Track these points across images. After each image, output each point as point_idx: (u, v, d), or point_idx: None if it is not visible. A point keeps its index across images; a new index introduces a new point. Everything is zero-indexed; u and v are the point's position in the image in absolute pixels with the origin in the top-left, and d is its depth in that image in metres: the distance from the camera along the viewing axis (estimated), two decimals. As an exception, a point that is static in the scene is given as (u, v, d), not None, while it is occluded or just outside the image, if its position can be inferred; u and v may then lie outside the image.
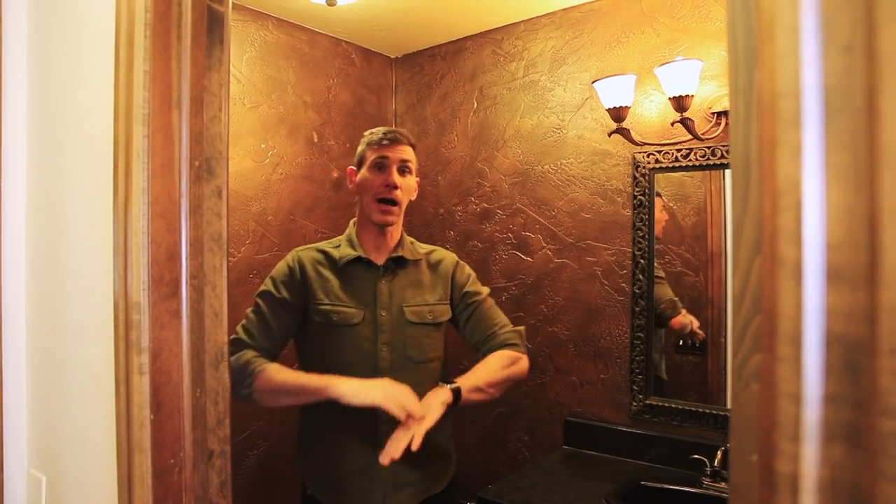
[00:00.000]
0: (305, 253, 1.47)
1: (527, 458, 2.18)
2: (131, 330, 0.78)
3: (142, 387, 0.77)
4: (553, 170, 2.15)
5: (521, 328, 1.59)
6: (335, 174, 2.40)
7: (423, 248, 1.56)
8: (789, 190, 0.34)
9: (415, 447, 1.20)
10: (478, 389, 1.37)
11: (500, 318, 1.54)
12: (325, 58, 2.37)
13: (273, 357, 1.39)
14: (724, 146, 1.78)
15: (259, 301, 1.43)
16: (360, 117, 2.50)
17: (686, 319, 1.88)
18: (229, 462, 0.84)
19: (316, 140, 2.34)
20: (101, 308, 0.83)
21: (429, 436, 1.24)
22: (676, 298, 1.91)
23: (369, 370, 1.38)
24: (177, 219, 0.79)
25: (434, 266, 1.53)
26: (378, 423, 1.37)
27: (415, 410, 1.23)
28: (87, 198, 0.91)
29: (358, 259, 1.44)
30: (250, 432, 2.11)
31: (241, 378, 1.32)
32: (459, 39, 2.42)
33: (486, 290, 1.57)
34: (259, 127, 2.15)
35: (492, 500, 1.66)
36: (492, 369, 1.42)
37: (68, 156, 0.95)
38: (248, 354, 1.35)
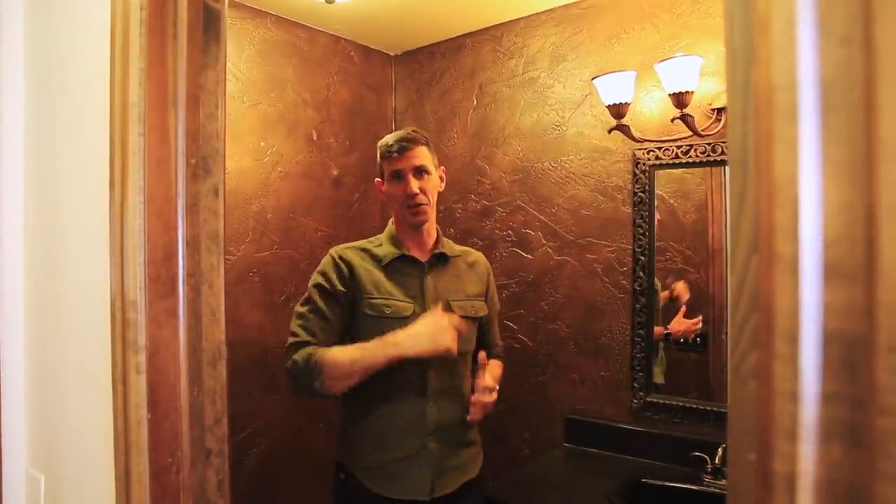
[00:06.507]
0: (348, 250, 1.50)
1: (527, 456, 2.18)
2: (128, 329, 0.78)
3: (139, 386, 0.77)
4: (553, 167, 2.15)
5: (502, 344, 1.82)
6: (335, 172, 2.40)
7: (458, 247, 1.65)
8: (786, 185, 0.34)
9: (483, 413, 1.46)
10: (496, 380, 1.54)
11: (498, 333, 1.77)
12: (324, 55, 2.36)
13: None
14: (724, 143, 1.77)
15: (314, 297, 1.44)
16: (359, 115, 2.49)
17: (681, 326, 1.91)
18: (227, 461, 0.84)
19: (315, 138, 2.33)
20: (99, 307, 0.83)
21: (468, 421, 1.47)
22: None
23: (420, 360, 1.45)
24: (173, 217, 0.79)
25: (471, 265, 1.63)
26: (426, 409, 1.45)
27: (488, 382, 1.45)
28: (84, 196, 0.90)
29: (402, 256, 1.50)
30: (250, 431, 2.11)
31: (310, 372, 1.34)
32: (459, 36, 2.42)
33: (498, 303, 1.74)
34: (258, 125, 2.15)
35: (492, 499, 1.66)
36: (497, 370, 1.65)
37: (65, 154, 0.95)
38: (310, 349, 1.37)
